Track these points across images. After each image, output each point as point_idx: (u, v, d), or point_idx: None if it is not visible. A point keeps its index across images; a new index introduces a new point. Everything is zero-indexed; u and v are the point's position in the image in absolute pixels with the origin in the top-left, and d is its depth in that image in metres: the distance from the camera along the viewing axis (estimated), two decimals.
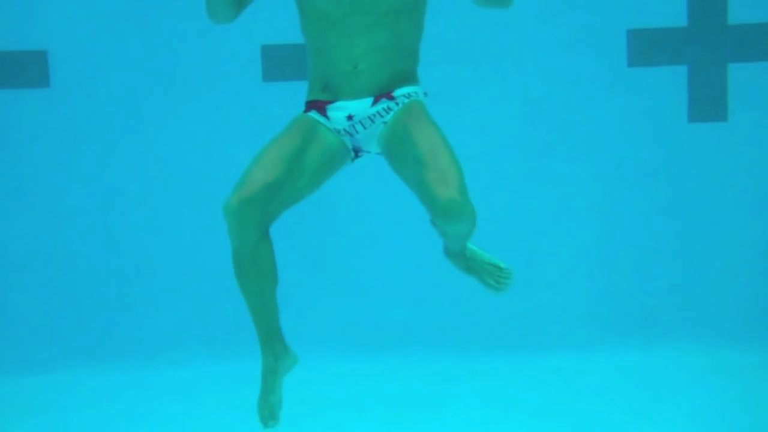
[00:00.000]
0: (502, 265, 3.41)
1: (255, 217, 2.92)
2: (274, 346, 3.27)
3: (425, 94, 3.19)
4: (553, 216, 5.61)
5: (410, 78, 3.14)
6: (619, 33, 5.48)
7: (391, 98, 3.09)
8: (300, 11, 3.11)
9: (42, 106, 5.48)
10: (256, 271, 3.09)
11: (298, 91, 3.26)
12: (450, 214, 2.84)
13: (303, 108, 3.18)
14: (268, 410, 3.34)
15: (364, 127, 3.09)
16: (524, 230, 5.56)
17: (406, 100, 3.10)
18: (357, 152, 3.20)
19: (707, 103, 5.53)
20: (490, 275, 3.40)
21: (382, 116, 3.09)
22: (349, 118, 3.08)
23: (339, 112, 3.09)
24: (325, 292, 5.58)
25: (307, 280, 5.54)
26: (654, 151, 5.57)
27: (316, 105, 3.12)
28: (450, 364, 5.37)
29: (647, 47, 5.50)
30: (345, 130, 3.10)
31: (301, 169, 3.00)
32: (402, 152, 3.01)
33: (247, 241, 2.98)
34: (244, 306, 3.20)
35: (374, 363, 5.35)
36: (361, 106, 3.07)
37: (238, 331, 5.58)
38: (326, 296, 5.59)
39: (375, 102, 3.07)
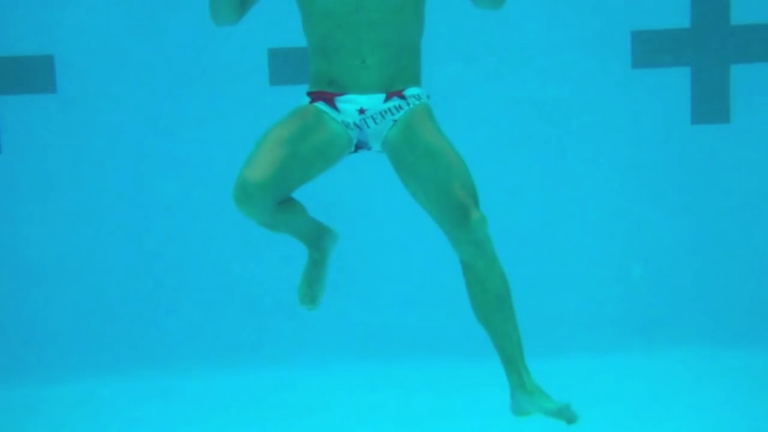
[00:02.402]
0: (556, 403, 3.19)
1: (263, 202, 2.96)
2: (317, 242, 3.42)
3: (428, 96, 3.24)
4: (556, 218, 5.62)
5: (415, 74, 3.21)
6: (623, 34, 5.51)
7: (403, 97, 3.15)
8: (304, 12, 3.15)
9: (49, 112, 5.47)
10: (284, 225, 3.19)
11: (303, 96, 3.29)
12: (470, 222, 2.95)
13: (306, 99, 3.20)
14: (310, 295, 3.50)
15: (375, 123, 3.14)
16: (527, 233, 5.57)
17: (417, 102, 3.15)
18: (358, 147, 3.24)
19: (710, 104, 5.56)
20: (553, 403, 3.19)
21: (392, 114, 3.14)
22: (361, 111, 3.13)
23: (350, 104, 3.13)
24: (333, 299, 5.58)
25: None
26: (657, 153, 5.59)
27: (324, 96, 3.15)
28: (458, 369, 5.35)
29: (651, 48, 5.52)
30: (355, 123, 3.14)
31: (304, 152, 3.04)
32: (417, 158, 3.07)
33: (263, 218, 3.05)
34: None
35: (383, 369, 5.37)
36: (374, 101, 3.12)
37: (248, 340, 5.62)
38: (335, 303, 5.59)
39: (387, 99, 3.12)
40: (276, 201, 3.01)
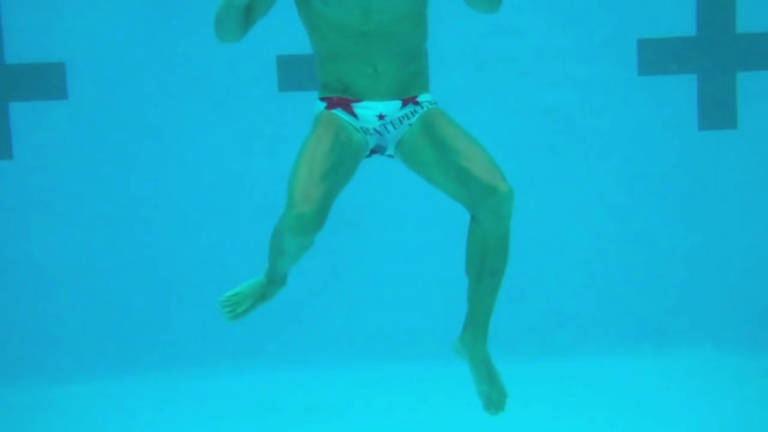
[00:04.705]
0: (506, 390, 3.38)
1: (314, 234, 3.02)
2: (276, 279, 3.49)
3: (436, 103, 3.30)
4: (565, 223, 5.65)
5: (425, 80, 3.27)
6: (629, 42, 5.54)
7: (417, 103, 3.21)
8: (311, 26, 3.19)
9: (60, 118, 5.52)
10: (295, 259, 3.24)
11: (314, 101, 3.32)
12: (498, 193, 2.99)
13: (321, 104, 3.23)
14: (236, 311, 3.51)
15: (394, 128, 3.20)
16: (536, 236, 5.59)
17: (431, 106, 3.21)
18: (372, 152, 3.29)
19: (717, 110, 5.58)
20: (491, 385, 3.36)
21: (408, 118, 3.20)
22: (381, 117, 3.18)
23: (369, 110, 3.18)
24: (340, 302, 5.62)
25: (322, 289, 5.58)
26: (665, 158, 5.62)
27: (341, 102, 3.20)
28: (464, 372, 5.37)
29: (657, 56, 5.55)
30: (375, 129, 3.20)
31: (343, 174, 3.11)
32: (437, 144, 3.13)
33: (301, 250, 3.12)
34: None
35: (391, 371, 5.38)
36: (391, 108, 3.18)
37: (255, 341, 5.64)
38: (342, 305, 5.62)
39: (404, 105, 3.18)
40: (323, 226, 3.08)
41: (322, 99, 3.24)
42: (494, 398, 3.36)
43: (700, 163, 5.60)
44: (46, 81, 5.49)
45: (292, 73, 5.47)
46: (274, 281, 3.49)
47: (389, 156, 3.31)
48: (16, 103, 5.52)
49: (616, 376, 5.29)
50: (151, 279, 5.61)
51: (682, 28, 5.57)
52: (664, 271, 5.64)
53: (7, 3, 5.43)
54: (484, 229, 3.11)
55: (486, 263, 3.18)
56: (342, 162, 3.10)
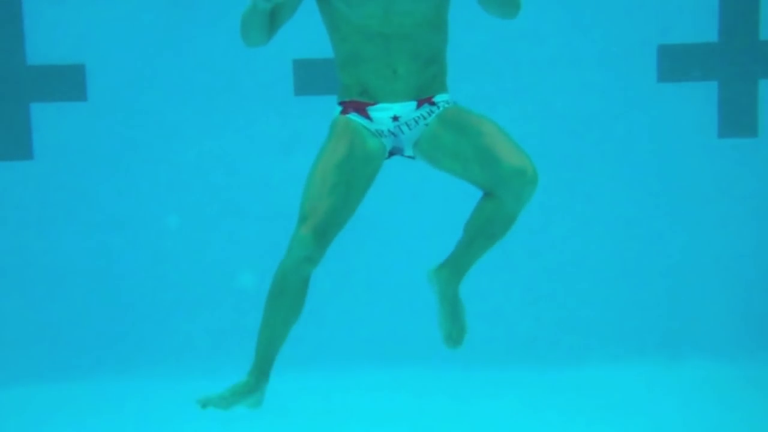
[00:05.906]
0: (466, 327, 3.46)
1: (324, 250, 3.08)
2: (264, 371, 3.37)
3: (455, 102, 3.30)
4: (581, 229, 5.63)
5: (443, 82, 3.29)
6: (649, 48, 5.50)
7: (433, 104, 3.23)
8: (332, 28, 3.21)
9: (79, 120, 5.57)
10: (292, 302, 3.22)
11: (330, 105, 3.33)
12: (526, 178, 3.02)
13: (338, 108, 3.27)
14: (210, 405, 3.44)
15: (410, 129, 3.23)
16: (550, 243, 5.59)
17: (448, 105, 3.23)
18: (391, 153, 3.30)
19: (737, 118, 5.54)
20: (453, 322, 3.43)
21: (425, 118, 3.23)
22: (395, 119, 3.19)
23: (383, 112, 3.20)
24: (345, 305, 5.62)
25: (328, 293, 5.57)
26: (684, 166, 5.58)
27: (356, 106, 3.21)
28: (474, 377, 5.37)
29: (678, 62, 5.51)
30: (390, 131, 3.21)
31: (356, 191, 3.16)
32: (458, 132, 3.15)
33: (306, 273, 3.14)
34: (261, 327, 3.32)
35: (395, 375, 5.40)
36: (406, 109, 3.20)
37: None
38: (347, 309, 5.63)
39: (419, 106, 3.19)
40: (331, 241, 3.12)
41: (339, 103, 3.26)
42: (454, 334, 3.44)
43: (720, 172, 5.57)
44: (66, 82, 5.54)
45: (308, 77, 5.49)
46: (261, 365, 3.35)
47: (409, 157, 3.32)
48: (37, 104, 5.57)
49: (627, 385, 5.28)
50: (165, 279, 5.66)
51: (704, 34, 5.53)
52: (679, 281, 5.62)
53: (29, 5, 5.49)
54: (497, 206, 3.14)
55: (486, 229, 3.22)
56: (356, 171, 3.14)
